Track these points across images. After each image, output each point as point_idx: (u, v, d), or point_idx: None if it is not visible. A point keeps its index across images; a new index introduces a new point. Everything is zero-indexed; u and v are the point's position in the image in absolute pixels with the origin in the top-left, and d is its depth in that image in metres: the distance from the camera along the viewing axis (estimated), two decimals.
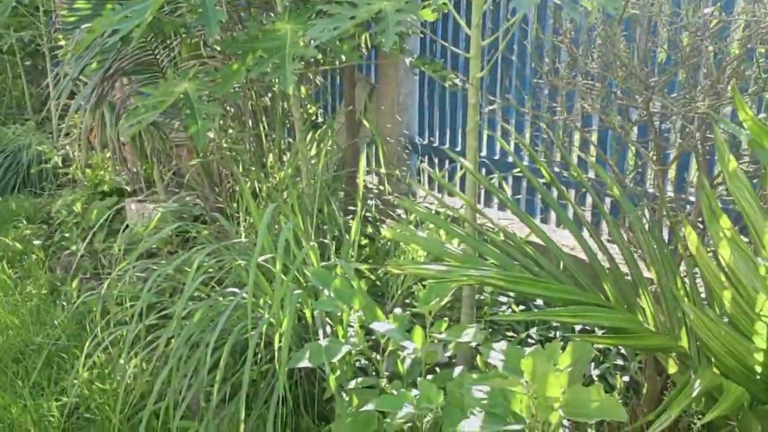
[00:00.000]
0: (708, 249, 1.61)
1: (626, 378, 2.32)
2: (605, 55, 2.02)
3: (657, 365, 2.05)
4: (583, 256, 2.42)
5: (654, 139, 1.98)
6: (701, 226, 2.02)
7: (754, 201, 1.49)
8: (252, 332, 1.98)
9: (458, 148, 3.75)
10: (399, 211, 3.23)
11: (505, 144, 2.43)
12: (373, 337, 2.01)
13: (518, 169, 3.17)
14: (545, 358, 1.51)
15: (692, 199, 2.63)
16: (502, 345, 1.73)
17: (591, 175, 2.96)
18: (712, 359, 1.57)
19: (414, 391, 1.79)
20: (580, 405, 1.35)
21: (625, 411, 1.31)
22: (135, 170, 4.33)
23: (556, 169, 3.04)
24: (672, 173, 2.62)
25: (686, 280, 1.70)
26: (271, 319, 2.03)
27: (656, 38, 2.07)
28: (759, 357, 1.52)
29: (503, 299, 2.69)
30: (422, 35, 3.76)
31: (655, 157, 2.04)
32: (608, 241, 2.29)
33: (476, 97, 1.97)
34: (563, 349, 1.61)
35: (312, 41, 2.11)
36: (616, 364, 2.39)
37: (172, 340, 2.20)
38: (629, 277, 1.79)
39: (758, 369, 1.52)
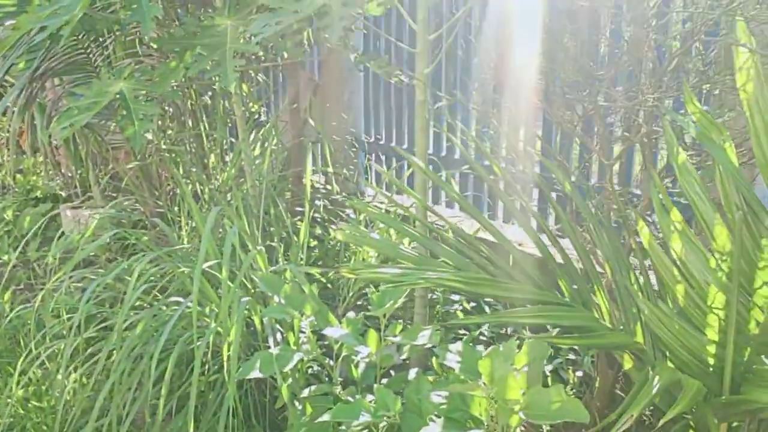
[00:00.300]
0: (657, 241, 1.62)
1: (579, 373, 2.33)
2: (551, 48, 2.01)
3: (609, 359, 2.06)
4: (530, 251, 2.41)
5: (602, 133, 1.98)
6: (649, 219, 2.04)
7: (704, 193, 1.50)
8: (198, 342, 1.89)
9: (405, 146, 3.71)
10: (348, 210, 3.17)
11: (457, 141, 2.40)
12: (325, 343, 1.95)
13: (465, 166, 3.16)
14: (503, 359, 1.49)
15: (637, 192, 2.66)
16: (458, 346, 1.69)
17: (536, 170, 2.97)
18: (667, 353, 1.57)
19: (369, 397, 1.75)
20: (541, 407, 1.32)
21: (587, 412, 1.29)
22: (69, 175, 4.14)
23: (503, 165, 3.03)
24: (616, 166, 2.65)
25: (638, 274, 1.71)
26: (219, 328, 1.94)
27: (602, 30, 2.07)
28: (711, 349, 1.53)
29: (455, 297, 2.67)
30: (365, 31, 3.71)
31: (602, 151, 2.05)
32: (558, 236, 2.29)
33: (424, 94, 1.93)
34: (518, 347, 1.59)
35: (253, 37, 2.03)
36: (568, 359, 2.40)
37: (114, 352, 2.09)
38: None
39: (711, 361, 1.54)
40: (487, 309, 2.67)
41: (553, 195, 2.98)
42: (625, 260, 1.66)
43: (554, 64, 2.12)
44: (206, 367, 2.06)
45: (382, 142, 3.87)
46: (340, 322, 1.85)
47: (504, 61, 2.34)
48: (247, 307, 1.99)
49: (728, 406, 1.48)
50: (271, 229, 2.73)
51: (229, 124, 3.63)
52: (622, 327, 1.63)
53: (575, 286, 1.71)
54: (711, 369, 1.54)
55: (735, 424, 1.60)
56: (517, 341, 1.59)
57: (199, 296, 1.94)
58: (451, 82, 3.33)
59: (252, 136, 3.33)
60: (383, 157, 3.85)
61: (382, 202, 3.11)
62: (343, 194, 3.36)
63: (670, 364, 1.56)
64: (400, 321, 1.86)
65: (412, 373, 1.94)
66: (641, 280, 1.68)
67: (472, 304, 2.68)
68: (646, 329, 1.60)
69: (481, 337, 2.51)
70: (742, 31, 1.32)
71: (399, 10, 2.01)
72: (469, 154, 3.29)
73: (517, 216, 1.79)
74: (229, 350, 1.87)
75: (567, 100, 2.11)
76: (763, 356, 1.53)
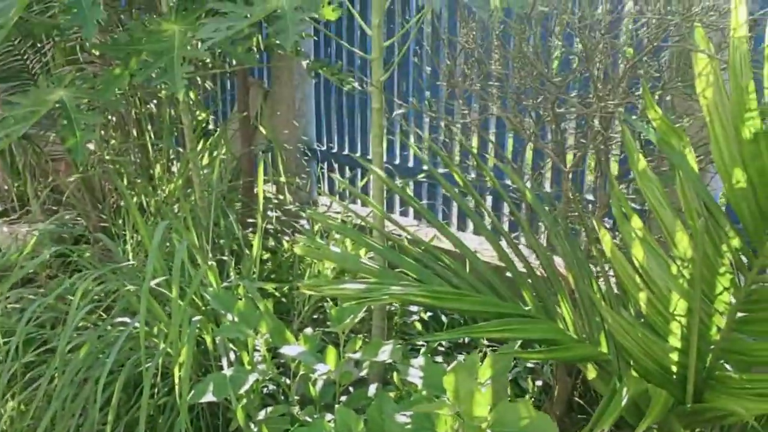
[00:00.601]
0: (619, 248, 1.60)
1: (539, 382, 2.31)
2: (506, 55, 1.99)
3: (567, 367, 2.05)
4: (486, 259, 2.39)
5: (559, 140, 1.97)
6: (606, 226, 2.03)
7: (664, 199, 1.49)
8: (147, 364, 1.79)
9: (358, 154, 3.66)
10: (301, 221, 3.10)
11: (415, 149, 2.36)
12: (282, 361, 1.87)
13: (421, 174, 3.12)
14: (467, 374, 1.45)
15: (590, 197, 2.67)
16: (420, 360, 1.65)
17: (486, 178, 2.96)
18: (631, 362, 1.56)
19: (328, 416, 1.69)
20: (509, 423, 1.28)
21: (557, 428, 1.26)
22: (5, 188, 3.94)
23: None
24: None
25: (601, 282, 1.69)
26: (168, 349, 1.85)
27: (557, 36, 2.07)
28: (674, 357, 1.52)
29: (413, 308, 2.62)
30: (315, 38, 3.65)
31: (558, 158, 2.04)
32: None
33: (380, 101, 1.88)
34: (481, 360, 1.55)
35: (201, 43, 1.95)
36: (527, 367, 2.38)
37: (56, 377, 1.97)
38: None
39: (674, 369, 1.53)
40: (444, 318, 2.64)
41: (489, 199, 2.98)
42: (588, 269, 1.64)
43: (509, 70, 2.11)
44: (156, 390, 1.95)
45: (334, 150, 3.81)
46: (297, 338, 1.78)
47: (457, 67, 2.31)
48: (199, 326, 1.90)
49: (692, 413, 1.47)
50: (222, 241, 2.63)
51: (176, 134, 3.51)
52: (585, 336, 1.61)
53: (534, 293, 1.69)
54: (674, 376, 1.53)
55: (698, 430, 1.60)
56: (480, 353, 1.56)
57: (147, 315, 1.84)
58: (403, 89, 3.29)
59: (200, 146, 3.23)
60: (336, 166, 3.79)
61: (336, 212, 3.04)
62: (296, 204, 3.28)
63: (633, 373, 1.55)
64: (359, 336, 1.80)
65: (372, 389, 1.89)
66: (603, 288, 1.67)
67: (429, 313, 2.64)
68: (609, 338, 1.58)
69: (440, 347, 2.48)
70: (701, 37, 1.32)
71: (350, 16, 1.97)
72: (419, 162, 3.26)
73: (479, 224, 1.75)
74: (180, 372, 1.78)
75: (522, 106, 2.10)
76: (724, 362, 1.54)
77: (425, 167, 3.21)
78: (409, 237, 1.83)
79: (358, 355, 1.72)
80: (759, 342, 1.43)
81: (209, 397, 1.62)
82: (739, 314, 1.44)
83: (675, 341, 1.50)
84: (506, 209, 3.01)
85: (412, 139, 3.18)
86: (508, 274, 1.75)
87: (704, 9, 1.48)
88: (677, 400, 1.49)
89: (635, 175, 1.53)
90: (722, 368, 1.51)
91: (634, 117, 1.86)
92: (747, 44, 1.25)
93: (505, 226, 3.05)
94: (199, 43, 2.06)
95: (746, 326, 1.44)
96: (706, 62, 1.32)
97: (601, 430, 1.15)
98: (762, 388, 1.37)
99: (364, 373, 1.86)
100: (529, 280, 1.68)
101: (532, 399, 2.24)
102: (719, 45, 1.61)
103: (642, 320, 1.54)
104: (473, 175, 3.01)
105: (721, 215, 1.43)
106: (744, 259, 1.42)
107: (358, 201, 3.57)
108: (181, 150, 3.40)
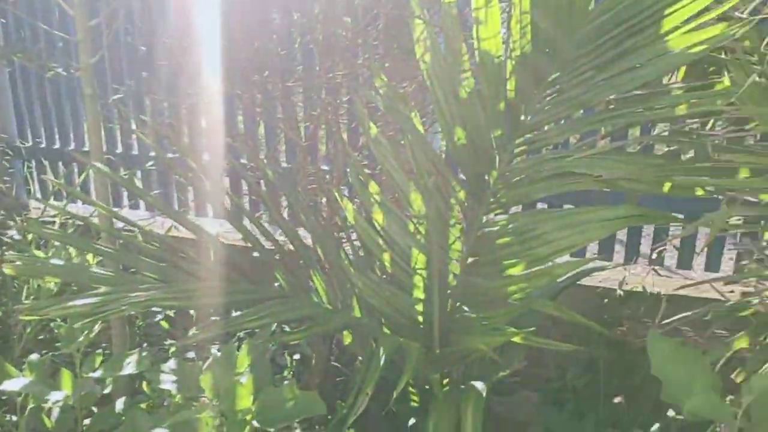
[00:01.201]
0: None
1: (297, 356, 2.30)
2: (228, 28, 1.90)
3: (322, 335, 2.06)
4: (228, 242, 2.30)
5: (291, 114, 1.95)
6: (345, 194, 2.07)
7: (397, 163, 1.55)
8: None
9: (72, 146, 3.28)
10: (10, 231, 2.67)
11: (141, 135, 2.15)
12: (4, 397, 1.60)
13: (149, 163, 2.89)
14: (225, 368, 1.37)
15: (325, 168, 2.70)
16: (172, 364, 1.52)
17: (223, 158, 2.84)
18: (383, 320, 1.61)
19: None
20: (275, 409, 1.24)
21: (324, 403, 1.24)
22: None
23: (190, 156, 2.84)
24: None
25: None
26: None
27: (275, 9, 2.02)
28: (420, 308, 1.61)
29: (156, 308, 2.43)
30: (3, 20, 3.16)
31: (292, 132, 2.01)
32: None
33: (92, 87, 1.68)
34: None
35: None
36: (281, 343, 2.34)
37: None
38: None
39: (421, 319, 1.61)
40: (192, 312, 2.49)
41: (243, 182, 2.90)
42: (333, 237, 1.65)
43: (233, 44, 2.01)
44: None
45: (43, 146, 3.36)
46: (21, 369, 1.52)
47: (179, 43, 2.15)
48: None
49: (441, 357, 1.57)
50: None
51: None
52: (339, 305, 1.62)
53: (286, 270, 1.65)
54: (422, 326, 1.61)
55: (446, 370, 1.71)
56: (235, 341, 1.48)
57: None
58: (117, 71, 3.01)
59: None
60: (47, 163, 3.35)
61: (53, 216, 2.68)
62: (1, 212, 2.83)
63: (386, 330, 1.60)
64: (97, 351, 1.60)
65: (120, 404, 1.70)
66: (351, 254, 1.69)
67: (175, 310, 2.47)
68: (362, 302, 1.61)
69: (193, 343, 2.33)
70: (416, 4, 1.37)
71: None
72: (152, 147, 3.03)
73: (219, 208, 1.66)
74: None
75: (250, 81, 2.02)
76: (463, 305, 1.66)
77: (153, 154, 2.98)
78: (142, 232, 1.66)
79: (99, 374, 1.52)
80: (488, 281, 1.56)
81: None
82: (470, 259, 1.56)
83: (419, 293, 1.59)
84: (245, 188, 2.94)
85: (134, 125, 2.93)
86: (256, 254, 1.69)
87: None
88: (427, 347, 1.57)
89: (368, 142, 1.56)
90: (462, 311, 1.62)
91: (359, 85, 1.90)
92: (456, 9, 1.33)
93: (246, 206, 2.97)
94: None
95: (477, 269, 1.56)
96: (422, 28, 1.38)
97: (366, 394, 1.15)
98: (496, 323, 1.50)
99: (108, 389, 1.66)
100: (278, 257, 1.64)
101: (291, 373, 2.22)
102: (429, 11, 1.70)
103: (388, 279, 1.59)
104: (206, 157, 2.87)
105: (448, 172, 1.52)
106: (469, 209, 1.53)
107: (79, 200, 3.21)
108: None
